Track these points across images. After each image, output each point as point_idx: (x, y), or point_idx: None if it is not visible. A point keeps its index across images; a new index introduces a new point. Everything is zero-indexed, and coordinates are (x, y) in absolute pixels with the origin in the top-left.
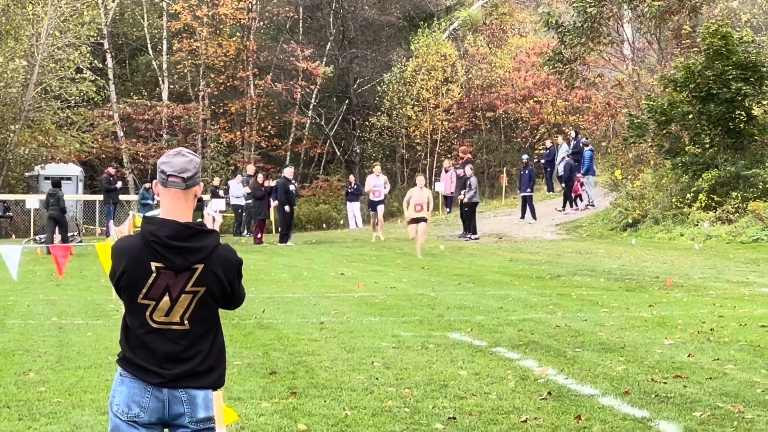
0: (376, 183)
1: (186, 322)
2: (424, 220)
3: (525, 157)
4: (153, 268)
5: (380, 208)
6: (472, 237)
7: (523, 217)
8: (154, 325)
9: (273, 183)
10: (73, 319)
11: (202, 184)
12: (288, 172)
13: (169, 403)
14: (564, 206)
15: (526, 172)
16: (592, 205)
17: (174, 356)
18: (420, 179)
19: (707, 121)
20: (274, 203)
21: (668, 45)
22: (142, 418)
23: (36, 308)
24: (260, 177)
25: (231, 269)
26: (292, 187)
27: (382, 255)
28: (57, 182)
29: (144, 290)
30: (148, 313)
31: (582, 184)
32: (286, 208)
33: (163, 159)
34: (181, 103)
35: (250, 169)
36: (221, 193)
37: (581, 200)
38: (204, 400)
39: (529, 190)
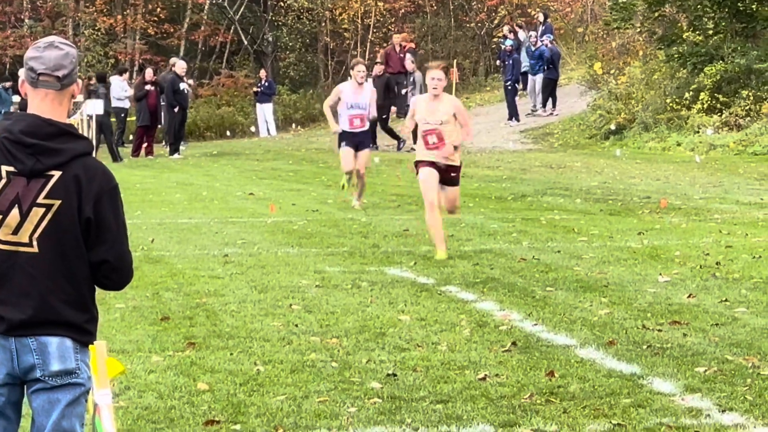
0: (356, 100)
1: (35, 243)
2: (453, 181)
3: (509, 42)
4: (3, 172)
5: (364, 154)
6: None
7: (511, 118)
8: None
9: (149, 84)
10: None
11: (80, 81)
12: (179, 66)
13: (17, 353)
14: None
15: (510, 61)
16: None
17: (22, 290)
18: (433, 74)
19: (711, 1)
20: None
21: None
22: None
23: None
24: (148, 72)
25: (99, 190)
26: (183, 86)
27: (302, 170)
28: None
29: None
30: None
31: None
32: (176, 110)
33: (31, 53)
34: None
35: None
36: (101, 92)
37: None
38: (59, 349)
39: (510, 83)
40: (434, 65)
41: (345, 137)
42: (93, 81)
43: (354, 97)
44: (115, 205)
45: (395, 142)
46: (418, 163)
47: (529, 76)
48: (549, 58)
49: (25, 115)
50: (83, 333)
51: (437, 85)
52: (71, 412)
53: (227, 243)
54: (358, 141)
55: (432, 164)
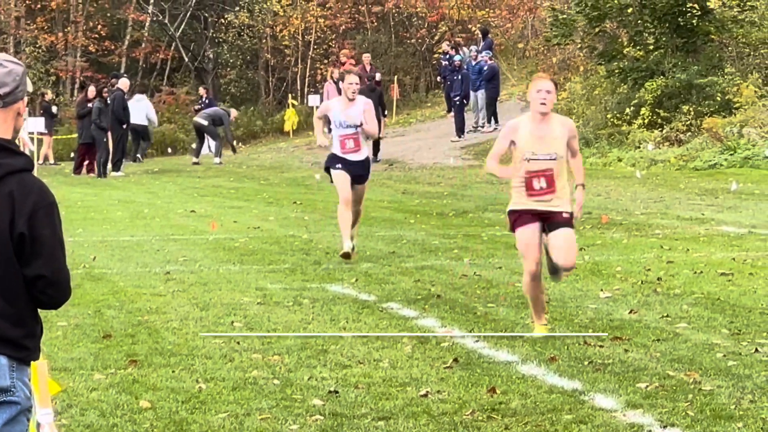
0: (346, 118)
1: None
2: (564, 223)
3: (458, 58)
4: None
5: (361, 188)
6: None
7: (459, 134)
8: None
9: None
10: None
11: (26, 99)
12: (124, 83)
13: None
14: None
15: (458, 77)
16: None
17: None
18: (539, 85)
19: (651, 17)
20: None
21: None
22: None
23: None
24: (91, 90)
25: (35, 206)
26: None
27: (243, 187)
28: None
29: None
30: None
31: None
32: (124, 126)
33: None
34: None
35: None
36: (54, 110)
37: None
38: None
39: (459, 98)
40: (540, 75)
41: (338, 161)
42: (48, 97)
43: (343, 113)
44: (51, 221)
45: None
46: (513, 214)
47: (471, 92)
48: (488, 75)
49: None
50: (20, 349)
51: (545, 99)
52: (10, 431)
53: (169, 260)
54: (356, 174)
55: (533, 216)
